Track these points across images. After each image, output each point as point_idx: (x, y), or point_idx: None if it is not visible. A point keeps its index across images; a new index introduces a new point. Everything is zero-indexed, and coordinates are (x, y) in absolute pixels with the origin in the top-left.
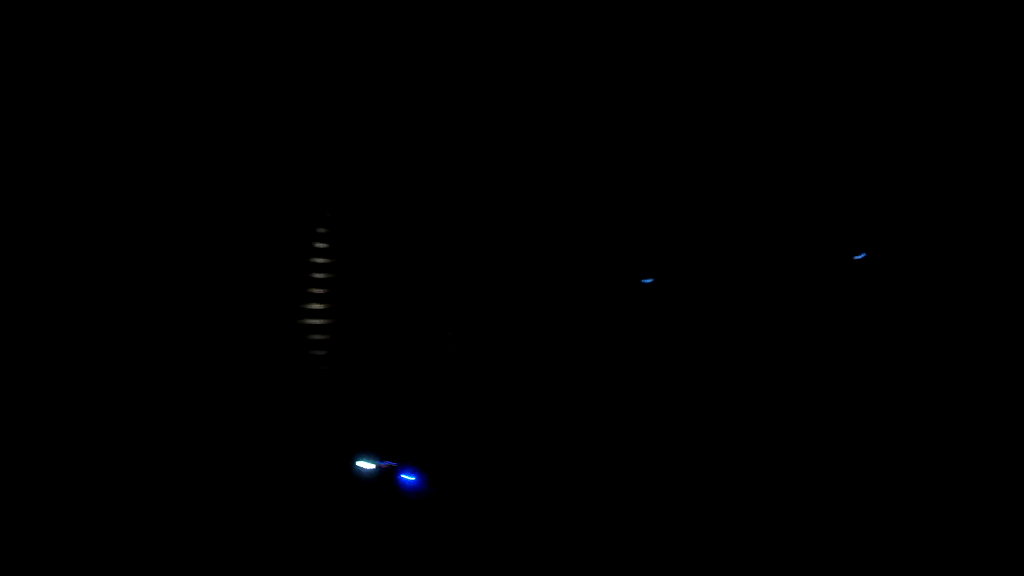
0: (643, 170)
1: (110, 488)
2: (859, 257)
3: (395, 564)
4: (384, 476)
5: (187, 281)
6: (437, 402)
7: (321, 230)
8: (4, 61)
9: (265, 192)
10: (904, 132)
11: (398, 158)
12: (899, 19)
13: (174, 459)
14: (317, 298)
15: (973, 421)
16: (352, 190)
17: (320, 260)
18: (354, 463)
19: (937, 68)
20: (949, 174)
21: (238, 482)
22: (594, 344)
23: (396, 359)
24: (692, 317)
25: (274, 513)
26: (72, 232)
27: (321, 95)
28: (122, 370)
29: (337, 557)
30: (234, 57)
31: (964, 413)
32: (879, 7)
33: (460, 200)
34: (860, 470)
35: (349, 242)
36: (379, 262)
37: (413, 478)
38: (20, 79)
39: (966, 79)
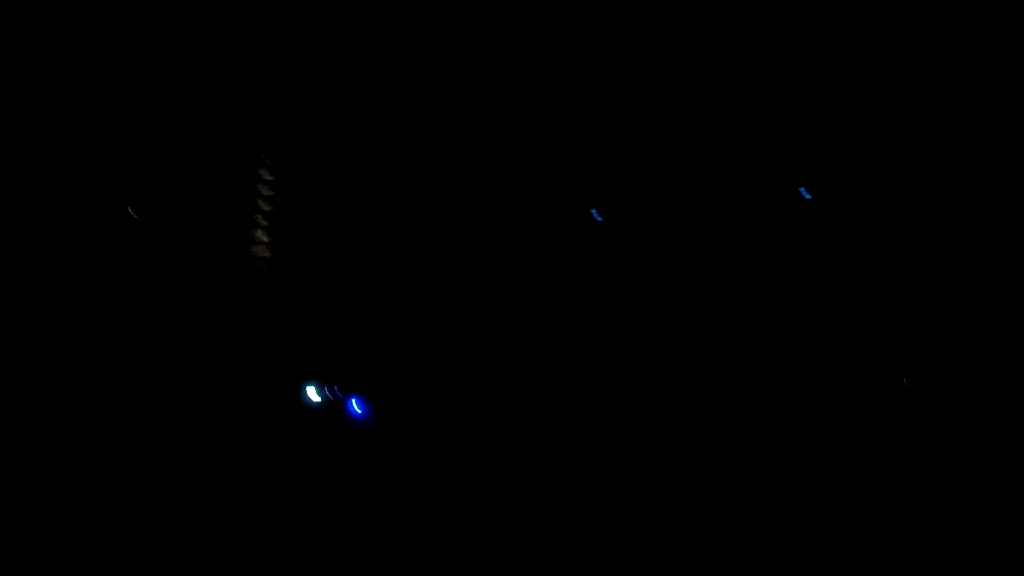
0: (642, 170)
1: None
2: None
3: (345, 497)
4: (333, 405)
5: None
6: (384, 330)
7: (267, 161)
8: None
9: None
10: (904, 132)
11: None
12: (899, 19)
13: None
14: (266, 226)
15: (973, 421)
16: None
17: (269, 191)
18: (303, 391)
19: (937, 68)
20: (949, 174)
21: (195, 411)
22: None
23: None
24: (692, 317)
25: (228, 445)
26: (60, 226)
27: (316, 95)
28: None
29: (288, 487)
30: (231, 57)
31: (964, 413)
32: (879, 7)
33: (452, 194)
34: (860, 470)
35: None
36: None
37: (360, 408)
38: (20, 79)
39: (966, 79)
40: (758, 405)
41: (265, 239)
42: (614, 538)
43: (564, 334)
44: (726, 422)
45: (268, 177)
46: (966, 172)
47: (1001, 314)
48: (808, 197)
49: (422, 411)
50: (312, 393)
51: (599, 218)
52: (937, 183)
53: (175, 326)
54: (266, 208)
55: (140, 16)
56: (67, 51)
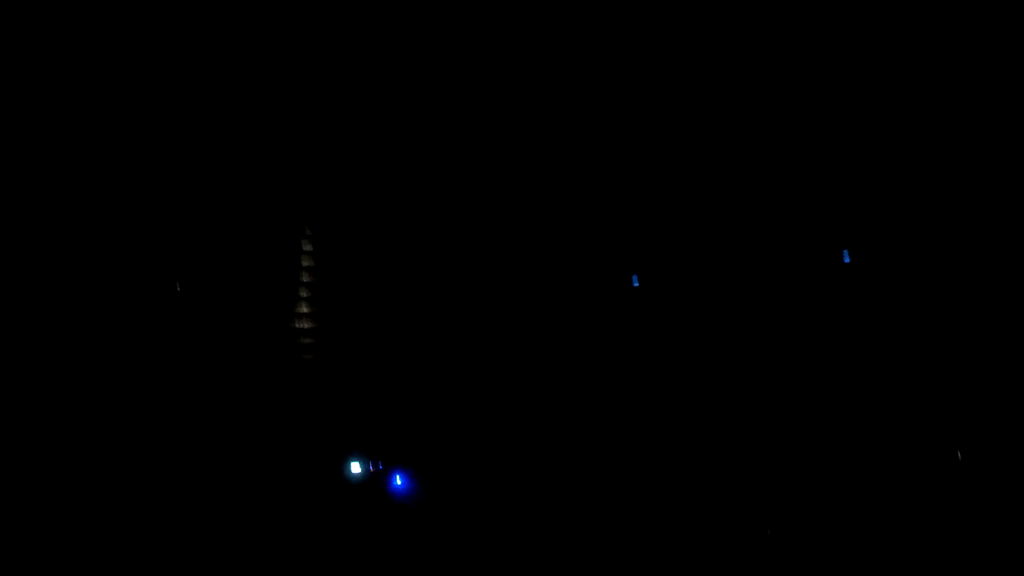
0: (642, 170)
1: (100, 485)
2: (847, 260)
3: (388, 568)
4: (375, 478)
5: (179, 282)
6: (428, 403)
7: (309, 232)
8: (4, 61)
9: (257, 193)
10: (904, 132)
11: (388, 158)
12: (899, 19)
13: (166, 462)
14: (306, 300)
15: (973, 421)
16: (342, 190)
17: (309, 262)
18: (346, 465)
19: (937, 68)
20: (948, 174)
21: (230, 485)
22: (589, 343)
23: (386, 360)
24: (691, 317)
25: (266, 517)
26: (66, 232)
27: (315, 96)
28: (114, 370)
29: (330, 562)
30: (230, 59)
31: (964, 413)
32: (879, 7)
33: (454, 199)
34: (860, 470)
35: (339, 245)
36: (369, 264)
37: (404, 481)
38: (20, 79)
39: (966, 79)
40: (760, 405)
41: (306, 314)
42: (619, 540)
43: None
44: (729, 423)
45: (308, 243)
46: (968, 172)
47: (1002, 314)
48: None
49: (460, 486)
50: (356, 467)
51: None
52: (939, 183)
53: (215, 395)
54: (307, 276)
55: (159, 25)
56: (84, 61)
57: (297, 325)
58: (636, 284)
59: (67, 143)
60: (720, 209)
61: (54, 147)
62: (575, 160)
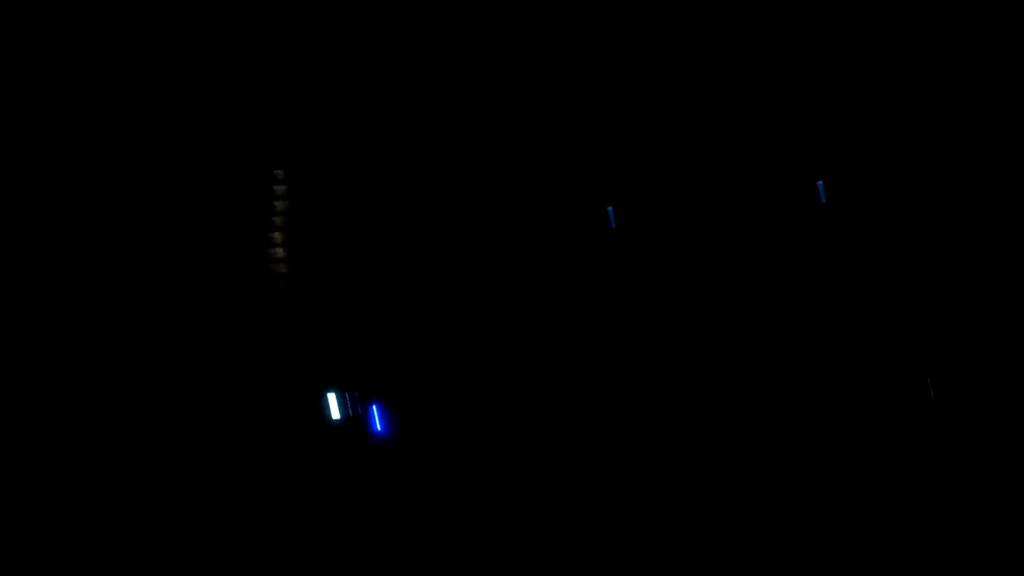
0: (641, 169)
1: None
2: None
3: (366, 510)
4: (354, 414)
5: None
6: (407, 337)
7: (280, 171)
8: (4, 61)
9: (253, 190)
10: (904, 132)
11: (387, 152)
12: (899, 19)
13: (146, 403)
14: (281, 230)
15: (973, 421)
16: (316, 126)
17: (283, 194)
18: (323, 401)
19: (937, 68)
20: (948, 174)
21: (212, 424)
22: (568, 285)
23: (364, 291)
24: (691, 315)
25: (247, 457)
26: (64, 227)
27: (315, 95)
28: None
29: (312, 500)
30: (231, 58)
31: (964, 413)
32: (879, 7)
33: (452, 193)
34: (860, 470)
35: (314, 182)
36: (347, 201)
37: (381, 417)
38: (20, 79)
39: (966, 79)
40: (763, 406)
41: (280, 247)
42: (618, 538)
43: (577, 336)
44: (731, 424)
45: (281, 182)
46: (970, 173)
47: (1003, 315)
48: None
49: (436, 419)
50: (333, 404)
51: (613, 223)
52: (941, 183)
53: (191, 334)
54: (280, 213)
55: (149, 18)
56: (79, 55)
57: (273, 253)
58: (612, 224)
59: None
60: (720, 208)
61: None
62: (566, 140)
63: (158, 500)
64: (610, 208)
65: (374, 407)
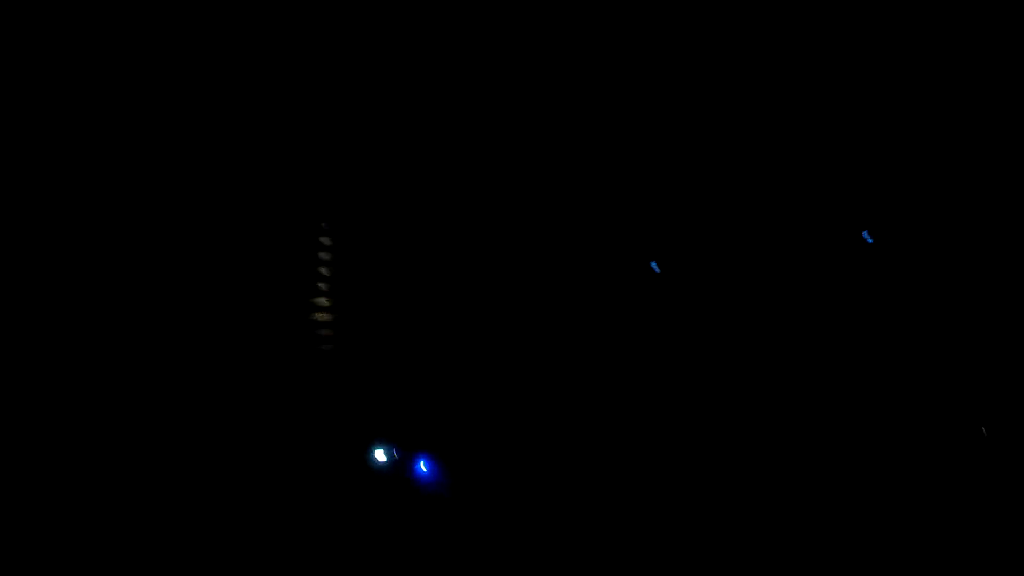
0: (641, 169)
1: (111, 483)
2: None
3: (410, 557)
4: (399, 466)
5: (192, 281)
6: (450, 392)
7: (324, 229)
8: (4, 61)
9: (267, 191)
10: (904, 132)
11: (397, 157)
12: (899, 19)
13: (182, 458)
14: (323, 294)
15: (973, 421)
16: (352, 189)
17: (325, 257)
18: (369, 454)
19: (937, 68)
20: (948, 174)
21: (249, 478)
22: (597, 338)
23: (405, 350)
24: (691, 314)
25: (287, 507)
26: (75, 232)
27: (321, 95)
28: (124, 369)
29: (352, 550)
30: (234, 58)
31: (964, 413)
32: (879, 7)
33: (462, 197)
34: (860, 469)
35: (354, 240)
36: (384, 257)
37: (428, 468)
38: (20, 79)
39: (966, 79)
40: (764, 407)
41: (325, 298)
42: (618, 539)
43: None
44: (732, 425)
45: (327, 233)
46: (969, 173)
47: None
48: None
49: (480, 469)
50: (380, 455)
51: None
52: (936, 182)
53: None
54: (326, 264)
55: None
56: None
57: (316, 318)
58: (657, 270)
59: (75, 141)
60: (721, 208)
61: (62, 144)
62: (578, 145)
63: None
64: (653, 263)
65: (421, 460)
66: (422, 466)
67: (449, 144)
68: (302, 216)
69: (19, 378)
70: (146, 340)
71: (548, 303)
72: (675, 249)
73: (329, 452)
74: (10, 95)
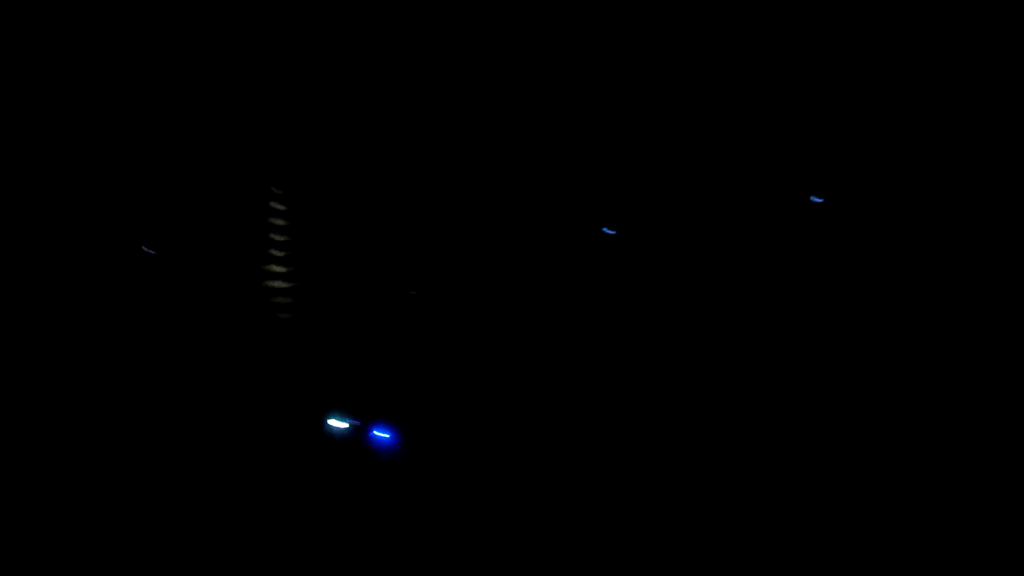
0: (641, 167)
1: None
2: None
3: (370, 525)
4: (357, 434)
5: (151, 245)
6: (409, 359)
7: (279, 191)
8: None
9: (217, 153)
10: (903, 132)
11: (372, 139)
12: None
13: (140, 429)
14: (282, 262)
15: (973, 421)
16: (313, 147)
17: (279, 223)
18: (326, 422)
19: (937, 68)
20: (948, 174)
21: (211, 446)
22: (563, 304)
23: (365, 318)
24: (690, 311)
25: (249, 477)
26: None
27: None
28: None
29: (312, 518)
30: (226, 55)
31: (964, 413)
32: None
33: (446, 188)
34: (859, 469)
35: (310, 205)
36: (341, 222)
37: (386, 436)
38: (20, 79)
39: (966, 79)
40: (757, 403)
41: (279, 262)
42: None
43: (584, 357)
44: (731, 425)
45: (280, 196)
46: (969, 173)
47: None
48: (819, 200)
49: (440, 434)
50: (335, 423)
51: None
52: (936, 182)
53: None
54: (279, 227)
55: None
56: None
57: (272, 284)
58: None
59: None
60: (721, 209)
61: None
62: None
63: (161, 506)
64: (605, 229)
65: (378, 427)
66: (379, 434)
67: (432, 145)
68: (254, 181)
69: None
70: (105, 311)
71: (514, 269)
72: (671, 246)
73: (288, 421)
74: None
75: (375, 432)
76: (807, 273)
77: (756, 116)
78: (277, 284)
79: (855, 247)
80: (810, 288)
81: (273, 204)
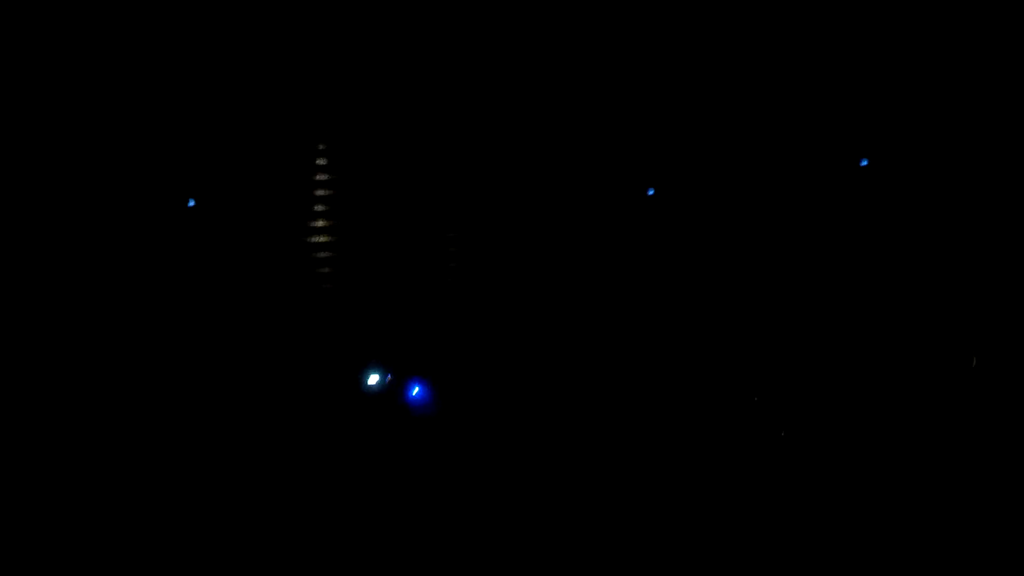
0: (639, 167)
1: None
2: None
3: (401, 484)
4: (392, 389)
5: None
6: (444, 318)
7: (323, 147)
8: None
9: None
10: (903, 131)
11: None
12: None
13: (180, 386)
14: (318, 217)
15: (973, 421)
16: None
17: (324, 176)
18: (362, 378)
19: (937, 68)
20: (948, 173)
21: (245, 402)
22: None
23: (400, 275)
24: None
25: (282, 438)
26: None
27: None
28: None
29: (346, 475)
30: (226, 54)
31: (964, 412)
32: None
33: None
34: (860, 469)
35: (349, 170)
36: (380, 188)
37: (420, 391)
38: (20, 79)
39: (966, 79)
40: (757, 403)
41: (320, 231)
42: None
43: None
44: (731, 427)
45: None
46: (966, 172)
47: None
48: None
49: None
50: (373, 379)
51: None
52: (937, 182)
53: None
54: (320, 197)
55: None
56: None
57: (312, 240)
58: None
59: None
60: (719, 207)
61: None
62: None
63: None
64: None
65: (415, 385)
66: (415, 391)
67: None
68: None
69: None
70: (143, 264)
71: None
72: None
73: (324, 377)
74: None
75: (411, 388)
76: (807, 274)
77: (756, 118)
78: (319, 246)
79: (856, 248)
80: (810, 289)
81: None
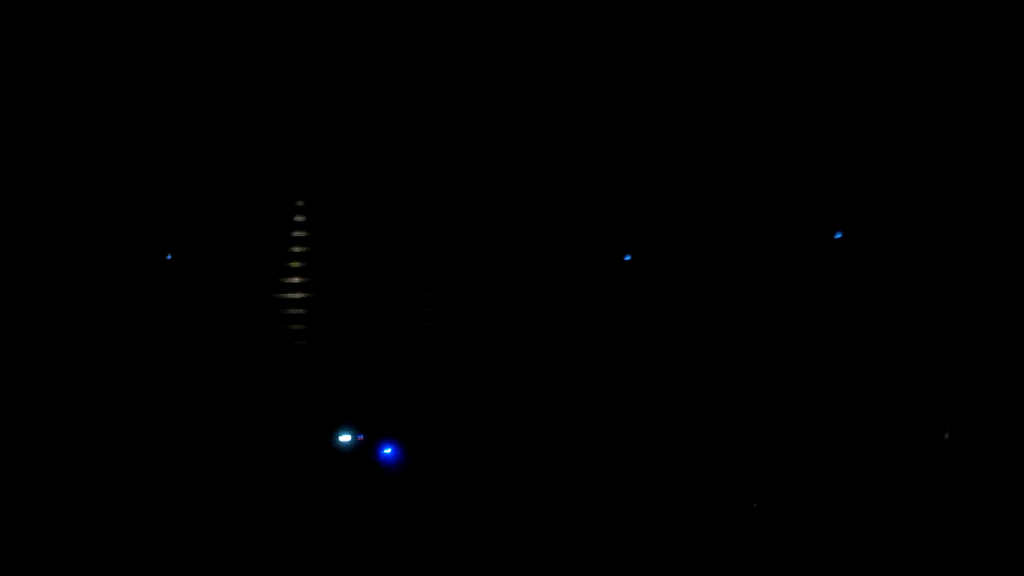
0: (639, 167)
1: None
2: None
3: (378, 539)
4: (363, 450)
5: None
6: (416, 377)
7: (300, 217)
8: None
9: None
10: (903, 131)
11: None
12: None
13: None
14: (295, 280)
15: (973, 421)
16: (330, 178)
17: (297, 243)
18: (334, 437)
19: (937, 68)
20: (948, 173)
21: (218, 462)
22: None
23: (375, 338)
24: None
25: (256, 493)
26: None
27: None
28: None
29: (319, 534)
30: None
31: (964, 412)
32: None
33: (447, 190)
34: (860, 469)
35: (327, 228)
36: (358, 247)
37: (391, 451)
38: (20, 79)
39: (966, 79)
40: (756, 402)
41: (297, 278)
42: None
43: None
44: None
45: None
46: (966, 172)
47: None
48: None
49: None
50: (345, 439)
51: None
52: (936, 182)
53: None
54: (299, 244)
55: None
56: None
57: (287, 296)
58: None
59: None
60: (718, 207)
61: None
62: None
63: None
64: (627, 256)
65: (386, 446)
66: (387, 450)
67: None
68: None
69: None
70: (117, 324)
71: (520, 294)
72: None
73: (296, 435)
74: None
75: (382, 448)
76: (809, 278)
77: (758, 121)
78: (292, 296)
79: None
80: (813, 294)
81: (295, 211)
